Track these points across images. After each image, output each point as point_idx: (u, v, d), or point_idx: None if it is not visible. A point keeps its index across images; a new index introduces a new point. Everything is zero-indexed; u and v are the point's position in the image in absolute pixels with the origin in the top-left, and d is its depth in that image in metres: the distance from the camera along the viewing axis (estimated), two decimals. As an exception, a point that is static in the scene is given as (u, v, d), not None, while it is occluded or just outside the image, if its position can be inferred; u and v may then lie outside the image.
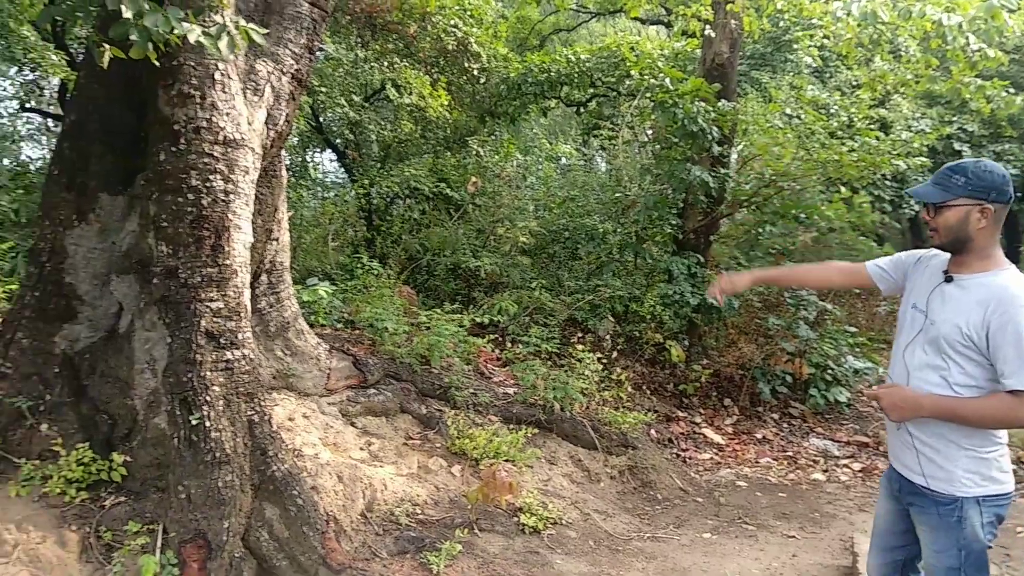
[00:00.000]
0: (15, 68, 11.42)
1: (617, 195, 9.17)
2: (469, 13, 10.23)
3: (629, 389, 7.08)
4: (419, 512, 4.65)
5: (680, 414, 7.68)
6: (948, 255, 2.61)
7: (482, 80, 10.89)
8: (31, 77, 12.11)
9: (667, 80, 8.53)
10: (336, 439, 5.05)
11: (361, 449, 5.11)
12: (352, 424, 5.38)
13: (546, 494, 5.28)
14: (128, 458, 3.98)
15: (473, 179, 9.95)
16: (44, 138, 13.04)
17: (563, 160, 12.66)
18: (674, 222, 8.54)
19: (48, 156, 11.07)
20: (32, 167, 10.97)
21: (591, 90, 11.52)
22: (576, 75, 10.77)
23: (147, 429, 4.13)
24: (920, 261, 2.79)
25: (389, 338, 6.27)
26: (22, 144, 12.32)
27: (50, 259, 4.31)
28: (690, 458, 6.81)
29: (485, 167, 10.55)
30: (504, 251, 9.51)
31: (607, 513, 5.36)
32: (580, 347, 6.72)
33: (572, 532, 4.88)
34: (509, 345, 7.38)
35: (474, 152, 10.92)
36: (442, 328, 6.47)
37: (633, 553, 4.73)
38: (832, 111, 9.27)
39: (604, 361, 6.84)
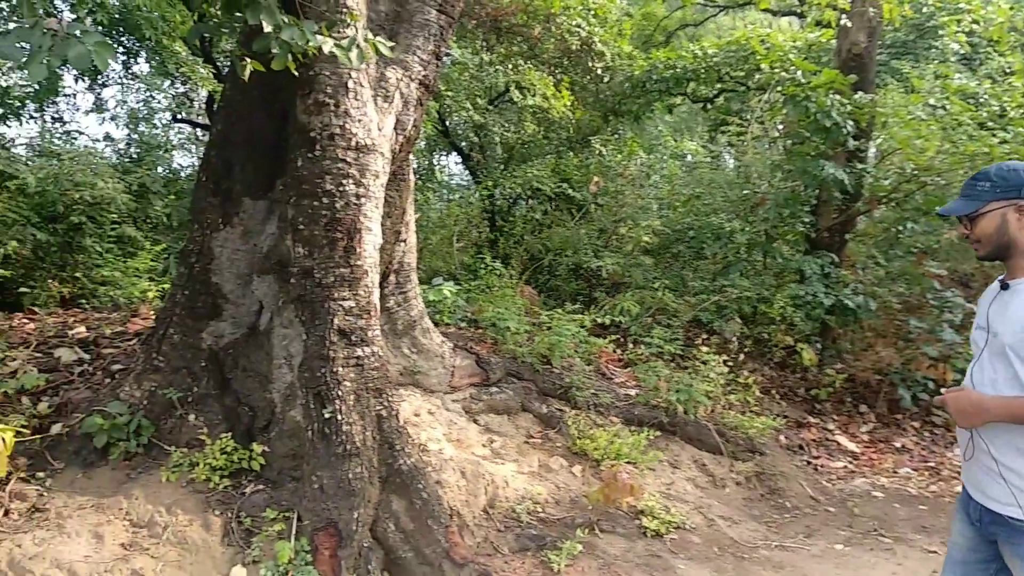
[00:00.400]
0: (168, 82, 12.31)
1: (745, 192, 8.90)
2: (593, 12, 10.21)
3: (757, 393, 6.85)
4: (540, 510, 4.69)
5: (811, 420, 7.38)
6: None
7: (606, 79, 10.85)
8: (182, 90, 13.05)
9: (799, 73, 8.22)
10: (459, 435, 5.17)
11: (483, 446, 5.20)
12: (475, 421, 5.49)
13: (669, 498, 5.21)
14: (266, 448, 4.22)
15: (595, 179, 9.92)
16: (193, 147, 14.00)
17: (688, 157, 12.41)
18: (806, 220, 8.22)
19: (197, 164, 11.85)
20: (183, 174, 11.83)
21: (718, 85, 11.24)
22: (703, 70, 10.53)
23: (284, 421, 4.36)
24: (986, 292, 2.62)
25: (511, 337, 6.35)
26: (174, 153, 13.25)
27: (198, 260, 4.64)
28: (822, 466, 6.53)
29: (608, 166, 10.49)
30: (626, 251, 9.43)
31: (732, 520, 5.22)
32: (705, 349, 6.58)
33: (696, 537, 4.78)
34: (631, 346, 7.30)
35: (597, 151, 10.88)
36: (563, 328, 6.49)
37: (760, 561, 4.59)
38: (982, 100, 8.64)
39: (730, 364, 6.66)
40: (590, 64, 10.48)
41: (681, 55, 10.69)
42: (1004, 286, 2.44)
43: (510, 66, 10.08)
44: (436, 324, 6.24)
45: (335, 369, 3.95)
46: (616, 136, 11.83)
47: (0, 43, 2.55)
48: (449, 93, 10.06)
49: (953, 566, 2.64)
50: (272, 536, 3.77)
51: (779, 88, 8.68)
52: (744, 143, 9.41)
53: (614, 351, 7.02)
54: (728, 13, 17.40)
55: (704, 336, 7.59)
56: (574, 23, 9.91)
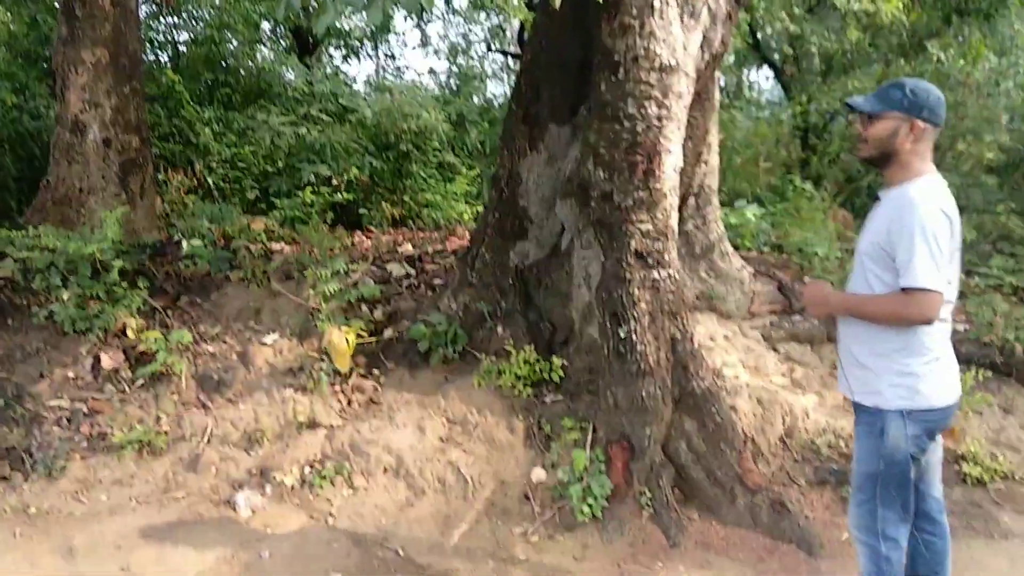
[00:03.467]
0: (484, 14, 13.00)
1: None
2: None
3: (1124, 338, 5.80)
4: (842, 445, 4.45)
5: None
6: None
7: (950, -28, 9.47)
8: (496, 21, 13.70)
9: None
10: (756, 363, 5.04)
11: (782, 375, 5.03)
12: (774, 349, 5.30)
13: (997, 444, 4.66)
14: (565, 362, 4.47)
15: (930, 88, 8.81)
16: (505, 76, 14.72)
17: (1056, 59, 10.53)
18: None
19: (508, 93, 12.47)
20: (495, 103, 12.52)
21: (1107, -33, 9.28)
22: (1088, -51, 8.77)
23: (581, 338, 4.57)
24: None
25: (819, 264, 5.99)
26: (488, 82, 14.06)
27: (507, 184, 4.94)
28: None
29: (947, 74, 9.26)
30: (964, 170, 8.34)
31: (1077, 479, 4.55)
32: (1057, 283, 5.69)
33: (1027, 491, 4.25)
34: (963, 276, 6.52)
35: (934, 58, 9.62)
36: (881, 255, 5.96)
37: (1108, 528, 3.97)
38: None
39: (1090, 302, 5.71)
40: (937, -45, 9.20)
41: (1057, -69, 8.96)
42: (876, 198, 2.67)
43: (832, -33, 9.18)
44: (736, 248, 6.06)
45: (631, 290, 4.03)
46: (959, 39, 10.33)
47: (345, -7, 2.90)
48: (762, 3, 9.45)
49: None
50: (569, 444, 4.02)
51: None
52: None
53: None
54: None
55: (1058, 269, 6.54)
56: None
